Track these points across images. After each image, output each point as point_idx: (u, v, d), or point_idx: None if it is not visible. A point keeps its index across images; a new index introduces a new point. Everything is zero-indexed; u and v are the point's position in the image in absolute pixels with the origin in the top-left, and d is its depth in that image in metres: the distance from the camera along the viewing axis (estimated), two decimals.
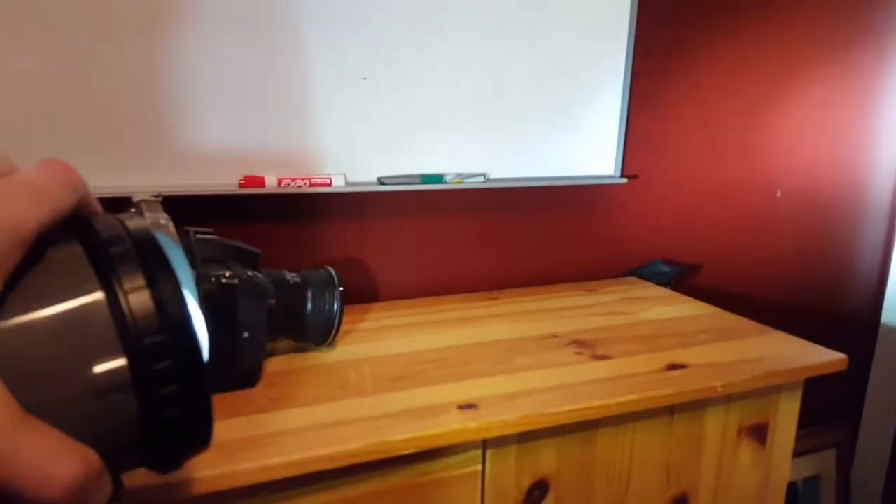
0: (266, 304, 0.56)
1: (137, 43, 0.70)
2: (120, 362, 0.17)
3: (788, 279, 1.22)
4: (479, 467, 0.59)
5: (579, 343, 0.74)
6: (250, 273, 0.55)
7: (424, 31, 0.82)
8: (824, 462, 1.29)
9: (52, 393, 0.17)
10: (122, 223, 0.19)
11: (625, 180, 0.99)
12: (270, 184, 0.77)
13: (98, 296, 0.17)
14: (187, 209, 0.78)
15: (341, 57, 0.78)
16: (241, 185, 0.76)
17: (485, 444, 0.58)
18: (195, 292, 0.20)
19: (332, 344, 0.68)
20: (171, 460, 0.20)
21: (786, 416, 0.73)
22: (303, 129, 0.79)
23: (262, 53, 0.74)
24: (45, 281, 0.18)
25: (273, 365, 0.66)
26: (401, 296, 0.92)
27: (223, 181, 0.76)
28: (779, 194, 1.16)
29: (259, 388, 0.60)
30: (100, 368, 0.17)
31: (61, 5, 0.66)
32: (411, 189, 0.87)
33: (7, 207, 0.17)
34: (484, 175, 0.90)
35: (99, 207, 0.22)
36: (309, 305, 0.64)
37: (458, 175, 0.88)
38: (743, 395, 0.69)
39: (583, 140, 0.95)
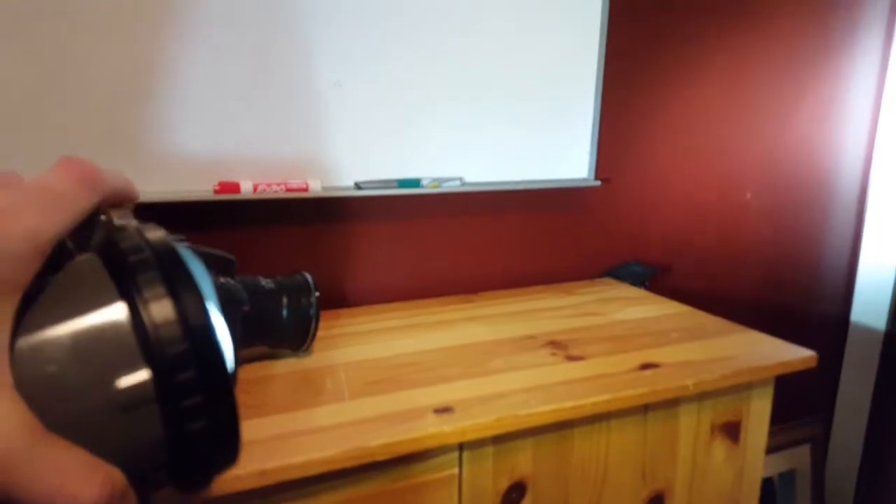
0: (239, 310, 0.56)
1: (110, 46, 0.69)
2: (143, 375, 0.17)
3: (761, 278, 1.24)
4: (456, 471, 0.59)
5: (554, 344, 0.75)
6: (223, 280, 0.55)
7: (399, 37, 0.82)
8: (799, 457, 1.32)
9: (74, 410, 0.16)
10: (140, 233, 0.19)
11: (598, 183, 1.00)
12: (246, 190, 0.76)
13: (118, 307, 0.17)
14: (161, 216, 0.76)
15: (315, 62, 0.78)
16: (216, 192, 0.75)
17: (461, 448, 0.59)
18: (217, 303, 0.19)
19: (307, 350, 0.68)
20: (199, 477, 0.19)
21: (758, 413, 0.75)
22: (279, 135, 0.78)
23: (236, 59, 0.74)
24: (63, 294, 0.17)
25: (247, 372, 0.65)
26: (378, 300, 0.92)
27: (198, 187, 0.75)
28: (749, 195, 1.19)
29: None
30: (123, 383, 0.17)
31: (32, 4, 0.65)
32: (388, 194, 0.87)
33: (21, 218, 0.17)
34: (460, 179, 0.90)
35: (133, 192, 0.22)
36: (284, 311, 0.64)
37: (435, 179, 0.88)
38: (715, 393, 0.71)
39: (557, 144, 0.96)
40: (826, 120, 1.23)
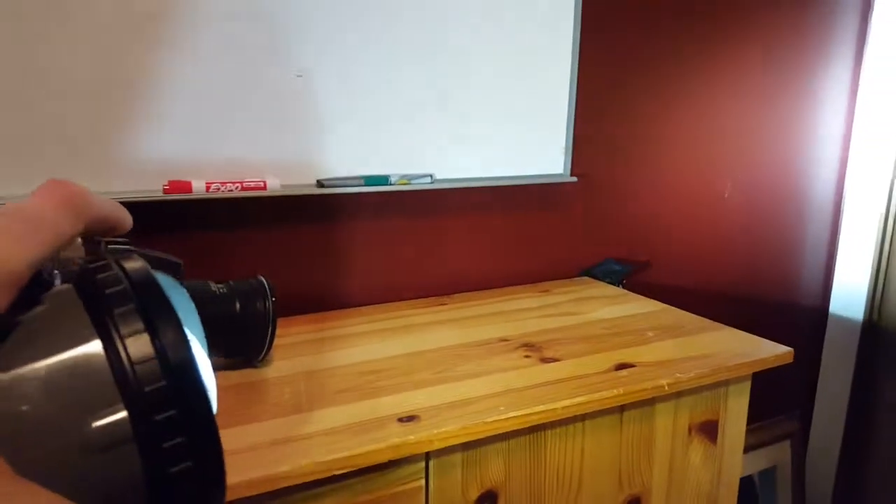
0: None
1: (53, 42, 0.64)
2: (120, 414, 0.16)
3: (739, 274, 1.23)
4: (423, 482, 0.56)
5: (529, 346, 0.72)
6: None
7: (366, 27, 0.79)
8: (779, 454, 1.32)
9: (48, 451, 0.16)
10: (118, 263, 0.18)
11: (574, 179, 0.98)
12: (198, 189, 0.72)
13: (94, 343, 0.16)
14: None
15: (275, 49, 0.74)
16: (165, 191, 0.71)
17: (427, 457, 0.56)
18: (202, 336, 0.19)
19: (264, 359, 0.64)
20: None
21: (735, 411, 0.73)
22: (235, 130, 0.74)
23: (186, 50, 0.70)
24: (38, 329, 0.17)
25: None
26: (342, 305, 0.89)
27: (146, 187, 0.71)
28: (727, 193, 1.18)
29: None
30: (98, 423, 0.16)
31: None
32: (354, 192, 0.83)
33: None
34: (431, 176, 0.87)
35: (124, 221, 0.21)
36: (237, 318, 0.60)
37: (404, 176, 0.85)
38: (691, 392, 0.69)
39: (531, 139, 0.93)
40: (803, 118, 1.22)
